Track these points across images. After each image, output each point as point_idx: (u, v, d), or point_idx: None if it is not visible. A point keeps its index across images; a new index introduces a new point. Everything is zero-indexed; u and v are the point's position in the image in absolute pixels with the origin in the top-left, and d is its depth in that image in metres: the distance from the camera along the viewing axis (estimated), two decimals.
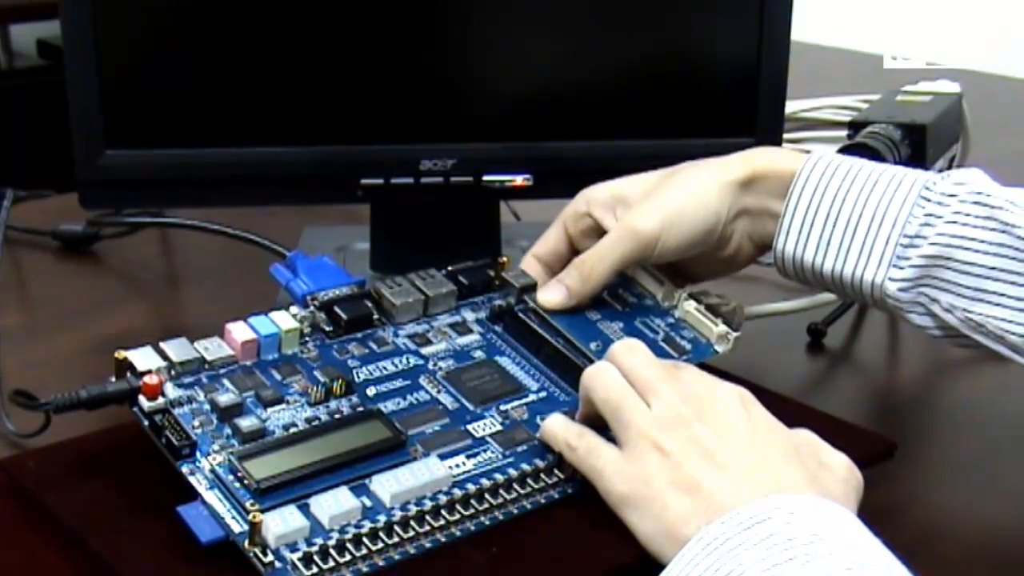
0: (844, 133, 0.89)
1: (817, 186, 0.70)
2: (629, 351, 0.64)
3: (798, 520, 0.53)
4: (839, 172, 0.71)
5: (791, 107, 1.30)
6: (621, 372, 0.63)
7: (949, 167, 0.97)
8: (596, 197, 0.75)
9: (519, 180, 0.83)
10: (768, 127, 0.84)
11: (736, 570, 0.52)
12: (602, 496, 0.60)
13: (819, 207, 0.70)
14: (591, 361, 0.69)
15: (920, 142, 0.86)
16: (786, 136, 1.04)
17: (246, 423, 0.62)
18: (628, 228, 0.72)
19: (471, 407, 0.67)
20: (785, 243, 0.71)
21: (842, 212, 0.70)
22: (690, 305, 0.74)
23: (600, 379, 0.63)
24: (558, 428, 0.63)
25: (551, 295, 0.73)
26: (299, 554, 0.56)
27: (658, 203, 0.72)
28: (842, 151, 0.84)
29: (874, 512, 0.60)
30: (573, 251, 0.76)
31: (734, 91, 0.84)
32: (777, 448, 0.59)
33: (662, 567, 0.56)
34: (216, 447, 0.61)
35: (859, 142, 0.84)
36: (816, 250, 0.70)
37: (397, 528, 0.58)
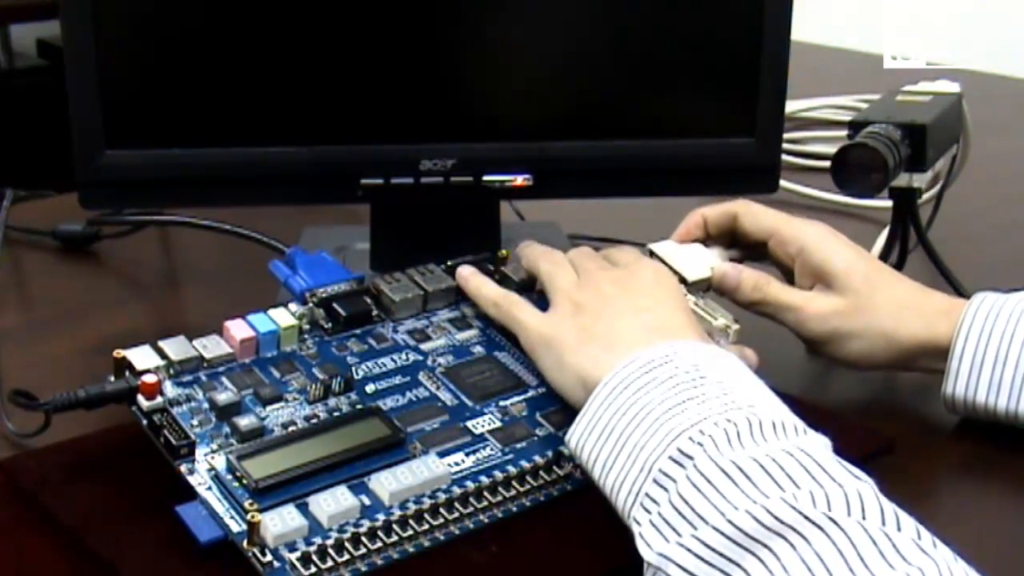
0: (844, 133, 0.89)
1: (983, 329, 0.71)
2: (581, 254, 0.72)
3: (691, 362, 0.60)
4: (1003, 314, 0.71)
5: (791, 107, 1.30)
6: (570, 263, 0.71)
7: (949, 167, 0.96)
8: (784, 237, 0.77)
9: (519, 180, 0.83)
10: (768, 127, 0.84)
11: (646, 407, 0.58)
12: (523, 345, 0.68)
13: (987, 350, 0.71)
14: None
15: (920, 142, 0.86)
16: (786, 136, 1.04)
17: (245, 422, 0.62)
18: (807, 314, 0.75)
19: (470, 403, 0.67)
20: (955, 387, 0.72)
21: (1010, 353, 0.70)
22: (689, 300, 0.74)
23: (547, 257, 0.72)
24: (488, 289, 0.72)
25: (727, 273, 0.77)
26: (298, 554, 0.56)
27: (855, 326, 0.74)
28: (842, 151, 0.84)
29: None
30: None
31: (734, 91, 0.84)
32: (668, 301, 0.67)
33: None
34: (215, 446, 0.61)
35: (859, 142, 0.84)
36: (988, 391, 0.71)
37: (396, 527, 0.58)
